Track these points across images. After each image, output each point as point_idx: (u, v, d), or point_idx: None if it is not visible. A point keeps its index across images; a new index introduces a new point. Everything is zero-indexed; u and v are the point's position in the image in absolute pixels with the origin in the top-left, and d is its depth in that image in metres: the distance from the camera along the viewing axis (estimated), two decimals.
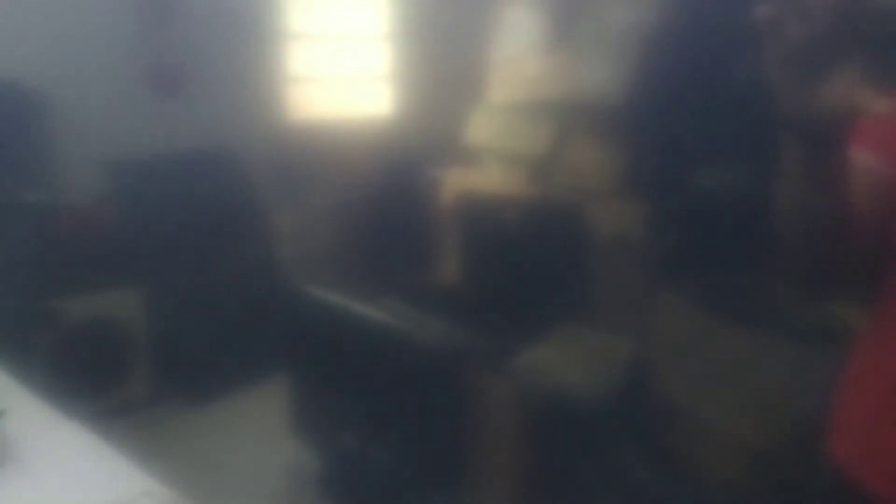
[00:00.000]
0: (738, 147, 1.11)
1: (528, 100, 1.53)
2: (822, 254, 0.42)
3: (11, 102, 1.39)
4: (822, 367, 0.53)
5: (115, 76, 1.55)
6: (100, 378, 1.40)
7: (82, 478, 0.55)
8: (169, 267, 1.45)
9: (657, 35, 1.34)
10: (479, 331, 1.12)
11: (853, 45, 0.34)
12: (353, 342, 1.16)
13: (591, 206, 1.32)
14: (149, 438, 1.26)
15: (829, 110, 0.35)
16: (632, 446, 0.88)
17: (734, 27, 0.38)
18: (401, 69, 1.98)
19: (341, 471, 1.19)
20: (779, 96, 0.36)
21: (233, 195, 1.57)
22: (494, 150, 1.57)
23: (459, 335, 1.12)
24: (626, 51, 1.36)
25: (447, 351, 1.09)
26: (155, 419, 1.41)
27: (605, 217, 1.29)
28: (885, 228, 0.41)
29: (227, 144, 1.60)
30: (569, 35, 1.47)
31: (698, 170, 1.21)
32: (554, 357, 1.05)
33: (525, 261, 1.25)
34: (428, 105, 1.81)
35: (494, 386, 1.09)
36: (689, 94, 1.20)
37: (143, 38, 1.58)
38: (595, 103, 1.41)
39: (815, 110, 0.36)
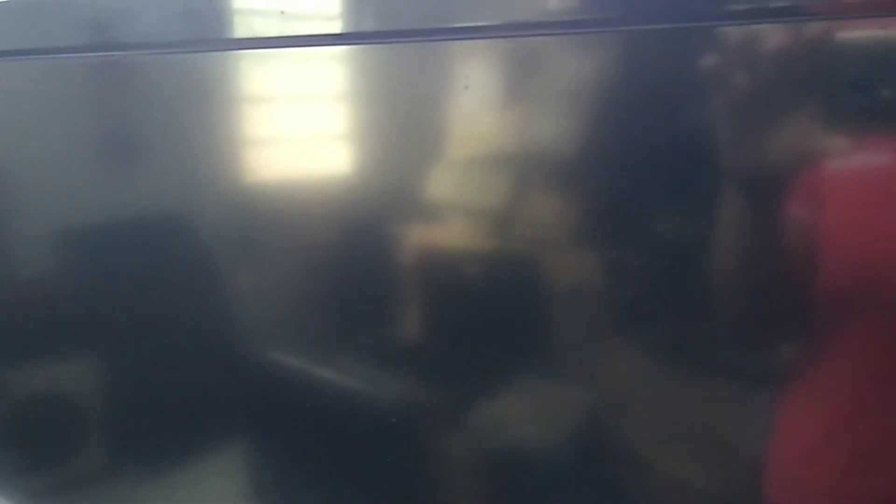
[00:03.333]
0: (693, 198, 1.13)
1: (486, 155, 1.55)
2: (763, 302, 0.43)
3: None
4: (773, 412, 0.53)
5: (66, 144, 1.54)
6: (50, 453, 1.35)
7: None
8: (121, 337, 1.41)
9: (614, 89, 1.38)
10: (439, 387, 1.10)
11: (799, 95, 0.35)
12: (312, 405, 1.13)
13: (548, 259, 1.33)
14: None
15: (776, 160, 0.36)
16: (591, 496, 0.87)
17: (687, 80, 0.39)
18: (357, 129, 2.00)
19: None
20: (725, 147, 0.37)
21: (186, 261, 1.54)
22: (454, 206, 1.57)
23: (419, 393, 1.11)
24: (585, 105, 1.40)
25: (407, 409, 1.07)
26: (108, 492, 1.36)
27: (562, 269, 1.30)
28: (819, 278, 0.42)
29: (181, 210, 1.59)
30: (524, 91, 1.50)
31: (653, 220, 1.23)
32: (513, 410, 1.04)
33: (484, 315, 1.25)
34: (385, 164, 1.83)
35: (455, 442, 1.07)
36: (643, 147, 1.23)
37: (95, 105, 1.58)
38: (551, 157, 1.44)
39: (762, 161, 0.36)
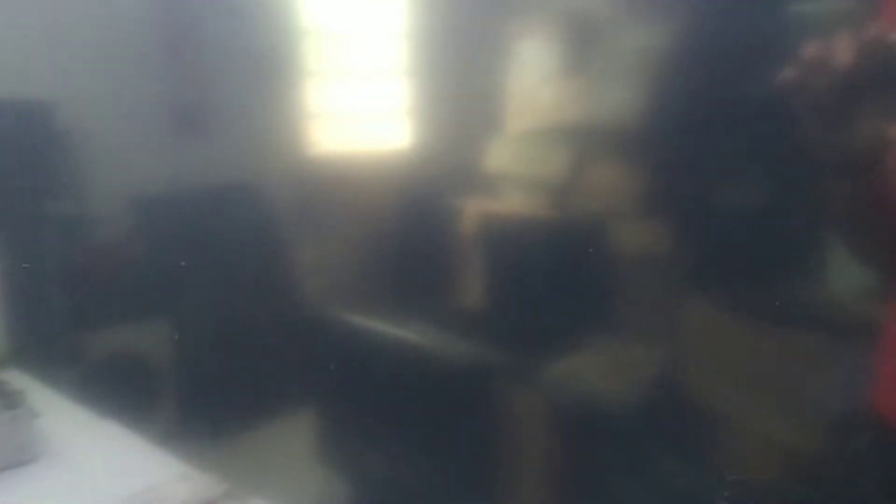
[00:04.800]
0: (754, 163, 1.12)
1: (546, 127, 1.55)
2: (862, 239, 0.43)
3: (41, 131, 1.43)
4: (852, 357, 0.53)
5: (140, 112, 1.59)
6: (125, 412, 1.40)
7: (118, 465, 0.55)
8: (195, 300, 1.46)
9: (671, 58, 1.36)
10: (509, 346, 1.11)
11: (875, 87, 0.37)
12: (381, 366, 1.15)
13: (612, 226, 1.32)
14: None
15: (860, 142, 0.38)
16: (667, 452, 0.87)
17: (748, 50, 0.42)
18: (419, 103, 2.02)
19: (373, 497, 1.17)
20: (810, 136, 0.40)
21: (257, 228, 1.58)
22: (515, 177, 1.58)
23: (489, 352, 1.12)
24: (641, 74, 1.38)
25: (477, 367, 1.08)
26: (182, 453, 1.40)
27: (627, 235, 1.29)
28: None
29: (251, 179, 1.63)
30: (584, 62, 1.50)
31: (714, 185, 1.21)
32: (585, 367, 1.04)
33: (551, 279, 1.25)
34: (447, 137, 1.84)
35: (526, 398, 1.08)
36: (702, 115, 1.22)
37: (167, 75, 1.63)
38: (612, 127, 1.43)
39: (845, 143, 0.39)
